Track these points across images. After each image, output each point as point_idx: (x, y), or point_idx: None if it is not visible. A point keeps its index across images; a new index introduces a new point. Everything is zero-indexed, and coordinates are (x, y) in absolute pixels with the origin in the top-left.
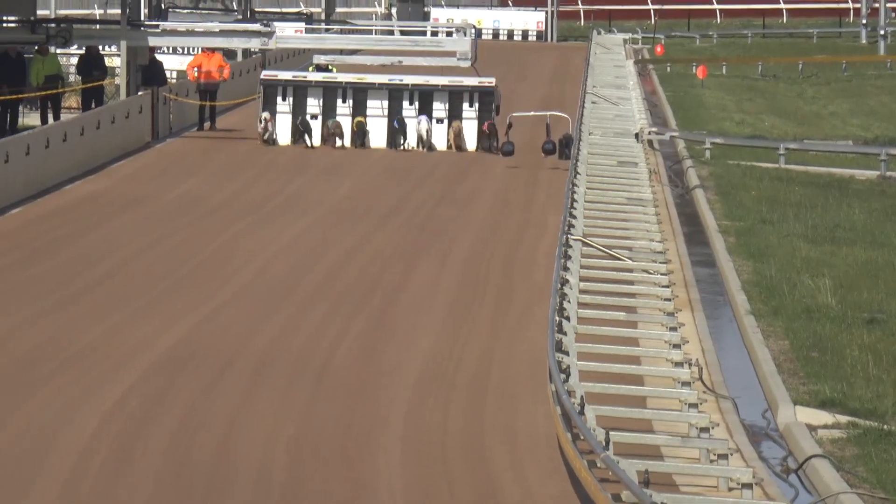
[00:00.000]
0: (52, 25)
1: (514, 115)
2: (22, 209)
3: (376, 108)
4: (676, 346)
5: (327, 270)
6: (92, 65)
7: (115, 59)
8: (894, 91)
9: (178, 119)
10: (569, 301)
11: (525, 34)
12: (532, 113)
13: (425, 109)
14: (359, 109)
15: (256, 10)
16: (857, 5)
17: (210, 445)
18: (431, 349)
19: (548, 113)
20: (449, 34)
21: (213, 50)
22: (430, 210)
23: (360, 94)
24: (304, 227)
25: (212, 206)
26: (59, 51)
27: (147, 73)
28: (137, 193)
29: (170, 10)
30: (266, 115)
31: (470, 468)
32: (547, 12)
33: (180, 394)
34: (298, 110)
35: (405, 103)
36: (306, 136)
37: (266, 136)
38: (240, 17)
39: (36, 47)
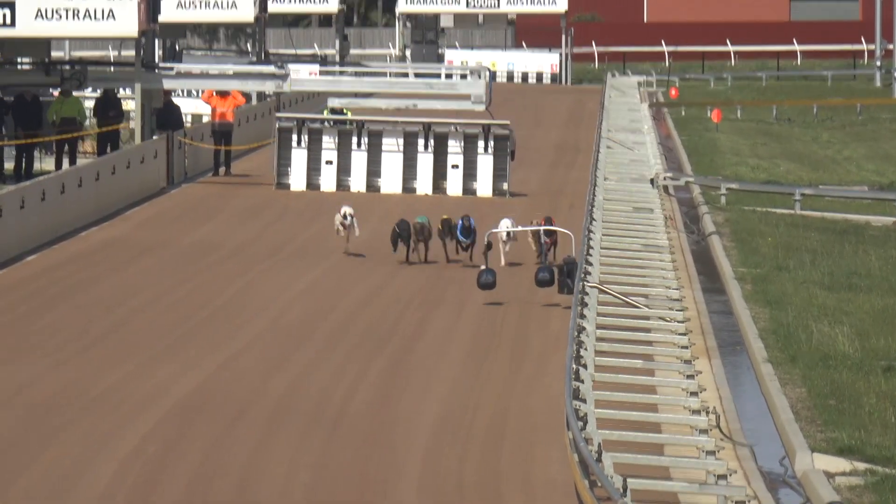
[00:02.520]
0: (67, 67)
1: (493, 231)
2: (39, 255)
3: (393, 151)
4: (693, 394)
5: (344, 316)
6: (109, 107)
7: (129, 102)
8: None
9: (192, 164)
10: (585, 348)
11: (539, 76)
12: (520, 228)
13: (440, 152)
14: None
15: (270, 51)
16: (872, 47)
17: (227, 493)
18: (451, 385)
19: (541, 227)
20: (463, 77)
21: (226, 93)
22: (444, 260)
23: (375, 138)
24: (320, 273)
25: (227, 251)
26: (75, 93)
27: (162, 116)
28: (153, 239)
29: (184, 52)
30: (348, 210)
31: None
32: (561, 54)
33: (196, 441)
34: (313, 154)
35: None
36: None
37: (343, 234)
38: (254, 59)
39: (60, 89)
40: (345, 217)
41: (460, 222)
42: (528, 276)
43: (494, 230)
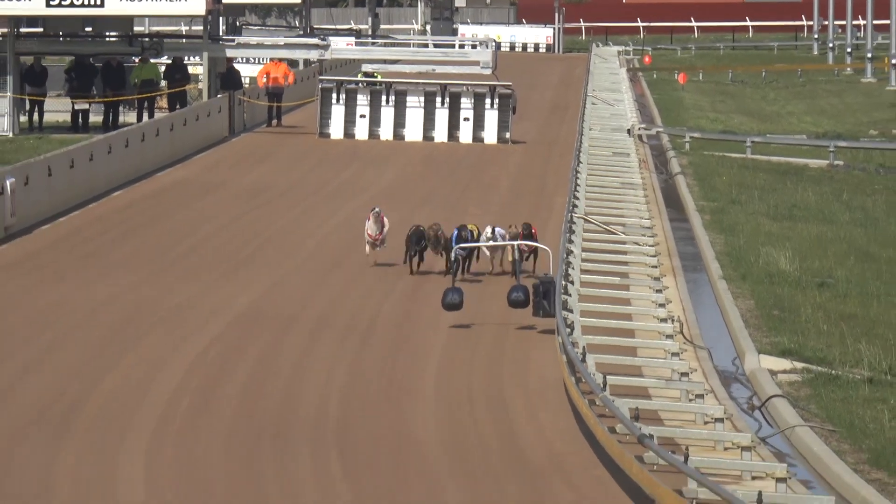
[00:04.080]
0: (146, 39)
1: (461, 248)
2: (123, 192)
3: (415, 107)
4: (661, 306)
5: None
6: (175, 71)
7: (198, 68)
8: (840, 94)
9: (250, 117)
10: (573, 268)
11: (536, 47)
12: (497, 243)
13: (454, 107)
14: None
15: (314, 26)
16: (811, 23)
17: (277, 389)
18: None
19: (516, 242)
20: (474, 46)
21: (279, 60)
22: (459, 193)
23: (400, 97)
24: (355, 207)
25: (278, 190)
26: (152, 60)
27: (225, 79)
28: (217, 180)
29: (243, 26)
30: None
31: (491, 409)
32: (554, 29)
33: (252, 347)
34: (349, 109)
35: (437, 102)
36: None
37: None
38: (301, 32)
39: (140, 57)
40: (376, 216)
41: (455, 232)
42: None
43: (463, 245)
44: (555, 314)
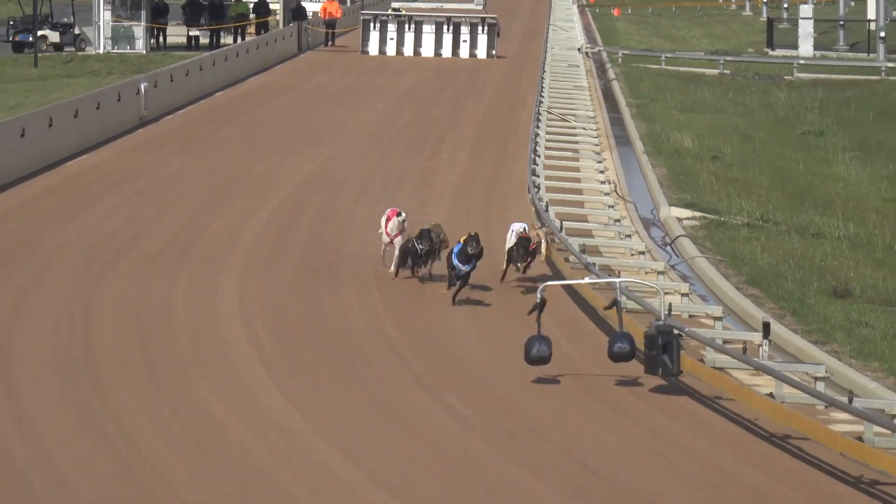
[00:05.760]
0: None
1: (547, 284)
2: (223, 92)
3: (429, 33)
4: (601, 172)
5: (404, 127)
6: (261, 6)
7: (276, 4)
8: (727, 23)
9: (312, 40)
10: (539, 146)
11: None
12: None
13: (456, 33)
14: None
15: None
16: None
17: (332, 230)
18: (462, 169)
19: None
20: None
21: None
22: (459, 91)
23: (418, 25)
24: (387, 103)
25: (333, 91)
26: None
27: (295, 13)
28: (289, 84)
29: None
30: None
31: (483, 242)
32: None
33: (313, 202)
34: (382, 34)
35: (444, 29)
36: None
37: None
38: None
39: None
40: (400, 217)
41: (459, 245)
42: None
43: (549, 283)
44: (678, 373)
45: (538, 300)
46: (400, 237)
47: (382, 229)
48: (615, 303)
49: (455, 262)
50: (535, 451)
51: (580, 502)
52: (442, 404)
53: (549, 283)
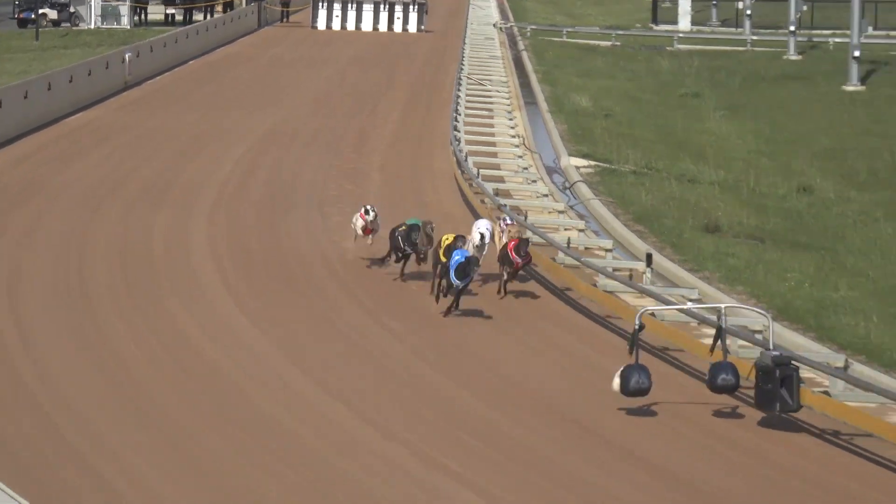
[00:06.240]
0: None
1: (647, 310)
2: (196, 61)
3: (368, 11)
4: (512, 128)
5: (347, 90)
6: None
7: None
8: (621, 2)
9: (270, 17)
10: (460, 105)
11: None
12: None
13: (391, 11)
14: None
15: None
16: None
17: (288, 176)
18: (395, 126)
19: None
20: None
21: None
22: (393, 60)
23: (360, 4)
24: (333, 70)
25: (287, 60)
26: None
27: None
28: (251, 54)
29: None
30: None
31: (413, 188)
32: None
33: (271, 153)
34: (329, 12)
35: (381, 8)
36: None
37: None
38: None
39: None
40: (366, 212)
41: (459, 257)
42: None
43: (650, 308)
44: (798, 408)
45: (636, 326)
46: (372, 234)
47: (357, 225)
48: (719, 331)
49: (453, 278)
50: (463, 366)
51: (467, 388)
52: (381, 325)
53: (649, 308)
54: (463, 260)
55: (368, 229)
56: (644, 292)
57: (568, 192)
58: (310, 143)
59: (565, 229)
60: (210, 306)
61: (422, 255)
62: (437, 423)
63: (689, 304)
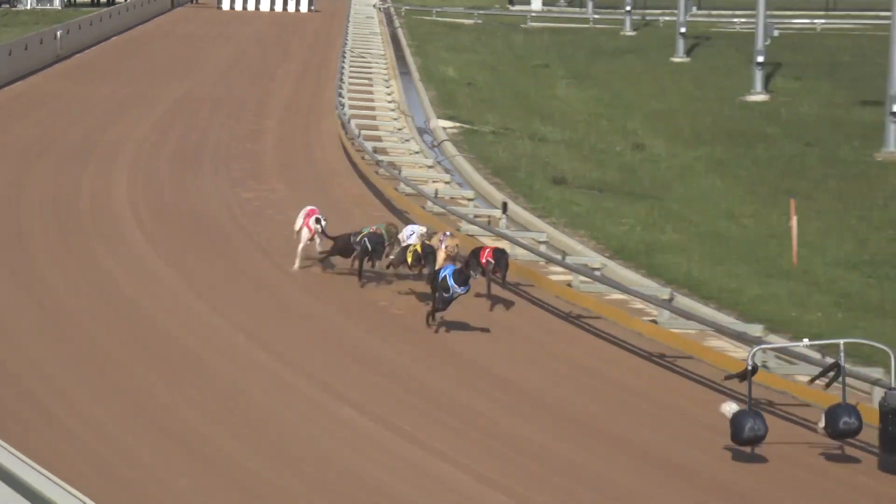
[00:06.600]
0: None
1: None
2: (119, 37)
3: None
4: (389, 94)
5: (248, 63)
6: None
7: None
8: None
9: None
10: (344, 75)
11: None
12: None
13: None
14: None
15: None
16: None
17: (197, 137)
18: (289, 93)
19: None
20: None
21: None
22: (288, 37)
23: None
24: (236, 45)
25: (197, 37)
26: None
27: None
28: (165, 32)
29: None
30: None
31: (303, 148)
32: None
33: (184, 116)
34: None
35: None
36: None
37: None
38: None
39: None
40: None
41: (450, 268)
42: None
43: (763, 346)
44: None
45: (749, 367)
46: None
47: (302, 226)
48: (836, 368)
49: (451, 283)
50: (342, 297)
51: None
52: (279, 269)
53: (763, 345)
54: (451, 269)
55: (313, 234)
56: (500, 235)
57: (436, 149)
58: (216, 109)
59: (433, 182)
60: (129, 248)
61: (389, 257)
62: (330, 351)
63: (805, 342)
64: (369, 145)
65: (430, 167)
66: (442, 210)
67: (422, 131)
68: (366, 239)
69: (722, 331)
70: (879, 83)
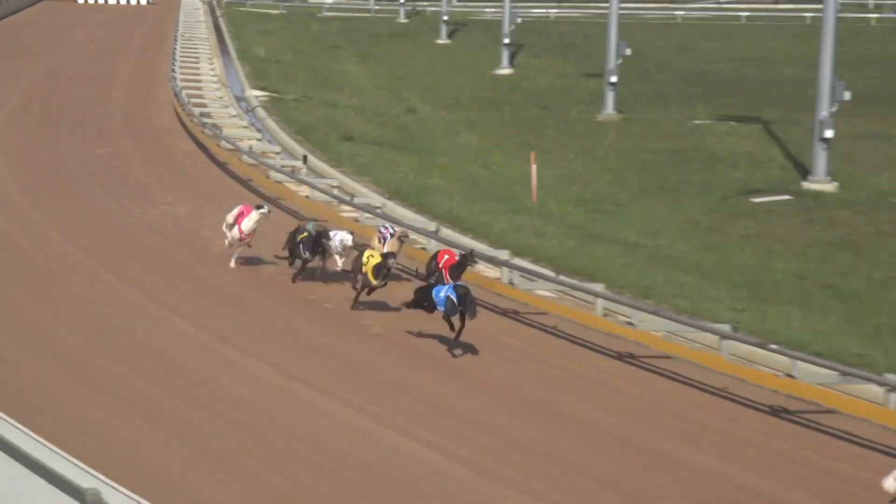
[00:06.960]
0: None
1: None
2: (30, 10)
3: None
4: (212, 69)
5: (98, 44)
6: None
7: None
8: None
9: None
10: (176, 58)
11: None
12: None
13: None
14: None
15: None
16: None
17: (58, 101)
18: (132, 69)
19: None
20: None
21: None
22: (130, 24)
23: None
24: (89, 30)
25: (57, 24)
26: None
27: None
28: (31, 19)
29: None
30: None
31: (144, 114)
32: None
33: (48, 88)
34: None
35: None
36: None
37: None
38: None
39: None
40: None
41: (448, 288)
42: None
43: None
44: None
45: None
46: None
47: (232, 225)
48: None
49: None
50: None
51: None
52: (124, 209)
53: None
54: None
55: (244, 236)
56: (301, 181)
57: (250, 113)
58: (72, 81)
59: (248, 139)
60: (3, 192)
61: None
62: (175, 280)
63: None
64: (197, 111)
65: (245, 128)
66: (254, 162)
67: (239, 99)
68: (301, 244)
69: (482, 256)
70: (600, 60)
